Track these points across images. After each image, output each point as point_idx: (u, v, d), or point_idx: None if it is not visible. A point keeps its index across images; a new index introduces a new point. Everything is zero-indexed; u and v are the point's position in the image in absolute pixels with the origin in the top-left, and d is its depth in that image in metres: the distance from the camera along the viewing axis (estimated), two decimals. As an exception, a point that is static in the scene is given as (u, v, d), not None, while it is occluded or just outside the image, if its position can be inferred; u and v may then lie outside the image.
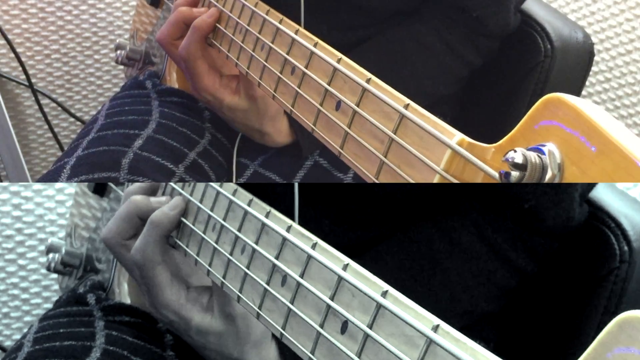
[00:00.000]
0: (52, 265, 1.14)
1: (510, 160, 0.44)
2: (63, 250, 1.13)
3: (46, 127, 1.96)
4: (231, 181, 1.02)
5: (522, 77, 1.12)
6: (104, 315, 0.94)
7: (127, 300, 0.99)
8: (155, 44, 1.26)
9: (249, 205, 0.66)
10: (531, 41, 1.12)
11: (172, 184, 0.80)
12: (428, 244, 0.87)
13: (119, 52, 1.33)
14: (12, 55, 1.86)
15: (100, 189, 1.11)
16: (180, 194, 0.78)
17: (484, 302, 0.87)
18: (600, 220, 0.94)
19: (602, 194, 0.97)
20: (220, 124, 1.11)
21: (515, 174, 0.43)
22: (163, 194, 0.80)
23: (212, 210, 0.71)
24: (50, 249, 1.15)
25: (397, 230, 0.90)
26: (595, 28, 1.69)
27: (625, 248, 0.90)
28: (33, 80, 1.91)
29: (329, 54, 0.67)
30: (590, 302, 0.90)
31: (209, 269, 0.70)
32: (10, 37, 1.86)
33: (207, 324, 0.74)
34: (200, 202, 0.74)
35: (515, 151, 0.44)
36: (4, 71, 1.91)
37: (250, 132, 1.01)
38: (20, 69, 1.88)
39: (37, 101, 1.91)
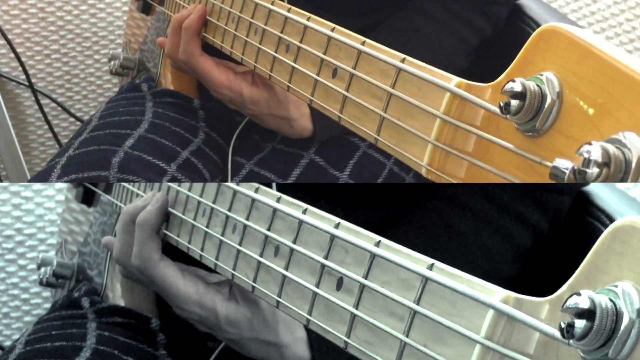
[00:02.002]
0: (45, 278, 1.14)
1: (509, 90, 0.43)
2: (55, 263, 1.14)
3: (46, 127, 1.96)
4: (226, 180, 1.02)
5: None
6: (96, 317, 0.94)
7: (121, 303, 0.99)
8: (149, 51, 1.26)
9: (237, 185, 0.67)
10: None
11: (168, 183, 0.80)
12: (438, 214, 0.88)
13: (112, 62, 1.33)
14: (12, 55, 1.86)
15: (87, 199, 1.11)
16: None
17: (502, 264, 0.88)
18: (597, 219, 0.94)
19: (601, 193, 0.97)
20: (215, 123, 1.11)
21: (515, 102, 0.43)
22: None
23: (200, 196, 0.72)
24: (42, 264, 1.16)
25: (402, 211, 0.91)
26: (595, 28, 1.68)
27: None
28: (33, 80, 1.91)
29: (322, 25, 0.69)
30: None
31: (201, 253, 0.71)
32: (10, 37, 1.86)
33: (233, 312, 0.74)
34: (189, 190, 0.75)
35: (513, 81, 0.43)
36: (4, 71, 1.91)
37: (279, 123, 0.99)
38: (20, 69, 1.88)
39: (37, 101, 1.91)
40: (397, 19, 1.05)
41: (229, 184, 0.68)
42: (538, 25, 1.09)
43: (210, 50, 0.96)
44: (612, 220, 0.93)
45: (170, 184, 0.79)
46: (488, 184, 0.85)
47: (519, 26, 1.13)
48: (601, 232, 0.97)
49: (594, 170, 0.38)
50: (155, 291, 0.79)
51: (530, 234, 0.90)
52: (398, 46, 0.94)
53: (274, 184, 0.91)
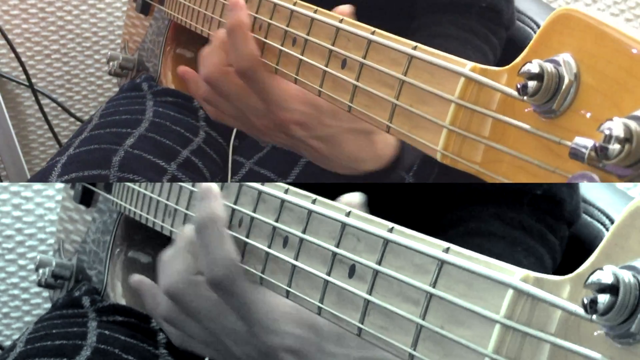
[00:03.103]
0: (43, 279, 1.13)
1: (526, 71, 0.43)
2: (53, 264, 1.13)
3: (46, 127, 1.96)
4: (226, 179, 1.02)
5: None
6: (97, 315, 0.94)
7: (122, 302, 0.99)
8: (149, 51, 1.26)
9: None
10: (528, 40, 1.12)
11: (168, 183, 0.79)
12: (468, 243, 0.80)
13: (111, 63, 1.33)
14: (12, 55, 1.86)
15: (86, 199, 1.11)
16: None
17: None
18: (597, 219, 0.94)
19: (600, 193, 0.98)
20: (215, 123, 1.11)
21: (532, 84, 0.43)
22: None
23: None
24: (40, 265, 1.15)
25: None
26: (595, 27, 1.68)
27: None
28: (33, 80, 1.91)
29: (330, 17, 0.68)
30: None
31: None
32: (10, 37, 1.86)
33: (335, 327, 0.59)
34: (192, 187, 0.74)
35: (531, 62, 0.43)
36: (4, 71, 1.91)
37: (359, 143, 0.78)
38: (20, 69, 1.88)
39: (37, 101, 1.91)
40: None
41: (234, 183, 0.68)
42: (538, 25, 1.10)
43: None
44: (611, 220, 0.93)
45: (169, 183, 0.79)
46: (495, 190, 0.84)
47: (519, 26, 1.13)
48: (601, 232, 0.96)
49: (615, 147, 0.38)
50: (233, 315, 0.63)
51: (552, 259, 0.87)
52: None
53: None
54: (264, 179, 0.99)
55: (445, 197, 0.90)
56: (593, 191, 0.97)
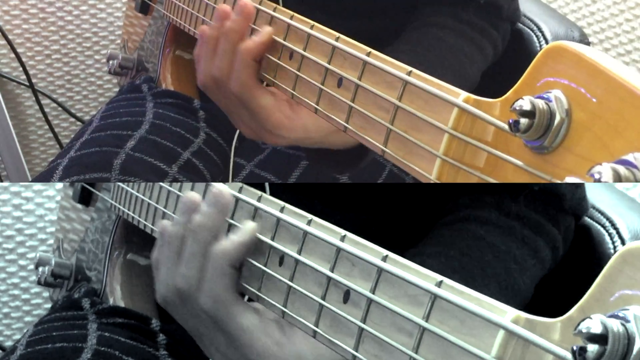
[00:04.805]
0: (43, 278, 1.13)
1: (518, 108, 0.43)
2: (53, 262, 1.13)
3: (46, 127, 1.96)
4: (227, 181, 1.02)
5: (518, 76, 1.12)
6: (97, 317, 0.94)
7: (122, 304, 0.99)
8: (148, 51, 1.26)
9: (239, 192, 0.66)
10: (528, 40, 1.12)
11: (168, 184, 0.79)
12: (461, 231, 0.84)
13: (111, 62, 1.32)
14: (13, 55, 1.86)
15: (85, 199, 1.11)
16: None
17: (529, 280, 0.84)
18: (596, 219, 0.94)
19: (600, 194, 0.97)
20: (215, 124, 1.11)
21: (524, 121, 0.43)
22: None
23: (205, 191, 0.70)
24: (39, 263, 1.15)
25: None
26: (595, 28, 1.68)
27: (620, 247, 0.90)
28: (33, 81, 1.91)
29: (326, 34, 0.68)
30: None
31: None
32: (10, 37, 1.86)
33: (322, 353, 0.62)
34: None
35: (522, 99, 0.43)
36: (5, 71, 1.91)
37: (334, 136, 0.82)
38: (20, 69, 1.88)
39: (38, 101, 1.91)
40: (412, 30, 1.01)
41: (231, 191, 0.66)
42: (537, 26, 1.10)
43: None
44: (611, 221, 0.93)
45: (170, 184, 0.79)
46: (495, 186, 0.85)
47: (519, 26, 1.13)
48: (601, 233, 0.96)
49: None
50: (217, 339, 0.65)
51: (552, 254, 0.87)
52: (422, 52, 0.93)
53: (266, 184, 0.83)
54: (264, 181, 0.99)
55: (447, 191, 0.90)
56: (592, 192, 0.97)
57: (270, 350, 0.61)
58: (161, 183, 0.80)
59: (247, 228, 0.62)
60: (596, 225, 0.94)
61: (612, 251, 0.91)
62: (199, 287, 0.63)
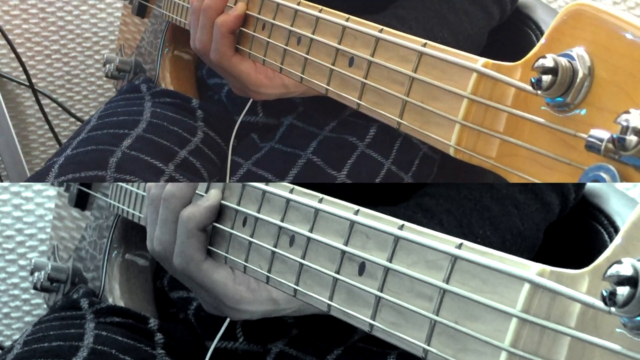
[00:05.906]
0: (39, 283, 1.13)
1: (540, 66, 0.44)
2: (49, 267, 1.13)
3: (46, 127, 1.96)
4: (224, 180, 1.02)
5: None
6: (95, 317, 0.94)
7: (120, 303, 0.99)
8: (147, 53, 1.26)
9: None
10: (527, 39, 1.12)
11: (165, 183, 0.79)
12: (458, 195, 0.86)
13: (107, 66, 1.32)
14: (13, 55, 1.86)
15: (81, 203, 1.11)
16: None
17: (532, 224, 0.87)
18: (594, 218, 0.95)
19: (599, 193, 0.98)
20: (213, 123, 1.11)
21: (546, 78, 0.43)
22: None
23: (206, 192, 0.71)
24: (35, 269, 1.14)
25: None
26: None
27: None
28: (33, 81, 1.91)
29: (335, 16, 0.68)
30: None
31: (211, 248, 0.69)
32: (10, 37, 1.86)
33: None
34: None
35: (545, 57, 0.44)
36: (5, 71, 1.91)
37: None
38: (20, 69, 1.88)
39: (38, 101, 1.91)
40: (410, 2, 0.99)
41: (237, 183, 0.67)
42: (537, 26, 1.11)
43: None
44: (611, 221, 0.94)
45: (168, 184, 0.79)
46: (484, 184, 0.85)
47: (519, 26, 1.13)
48: (600, 233, 0.96)
49: (633, 138, 0.38)
50: (201, 294, 0.73)
51: (553, 210, 0.89)
52: (425, 13, 0.93)
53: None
54: (261, 180, 0.99)
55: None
56: (592, 192, 0.97)
57: (245, 297, 0.69)
58: (160, 183, 0.80)
59: (212, 194, 0.69)
60: (594, 223, 0.95)
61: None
62: (172, 250, 0.70)
